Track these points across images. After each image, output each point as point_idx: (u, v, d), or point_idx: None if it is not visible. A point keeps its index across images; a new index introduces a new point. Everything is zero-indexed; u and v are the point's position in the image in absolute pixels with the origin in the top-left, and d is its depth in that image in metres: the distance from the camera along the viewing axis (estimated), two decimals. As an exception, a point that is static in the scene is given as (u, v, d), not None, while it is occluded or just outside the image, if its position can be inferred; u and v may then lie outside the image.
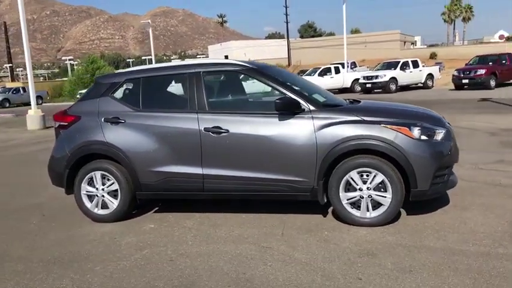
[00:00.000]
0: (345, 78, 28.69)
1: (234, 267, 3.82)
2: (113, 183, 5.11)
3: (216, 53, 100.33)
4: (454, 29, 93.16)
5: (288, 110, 4.58)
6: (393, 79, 25.24)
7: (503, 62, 24.08)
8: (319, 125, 4.52)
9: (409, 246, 4.02)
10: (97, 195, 5.18)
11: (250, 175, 4.71)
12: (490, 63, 23.77)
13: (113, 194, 5.15)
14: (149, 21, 39.00)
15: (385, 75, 25.18)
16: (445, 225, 4.47)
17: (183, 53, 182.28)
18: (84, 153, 5.14)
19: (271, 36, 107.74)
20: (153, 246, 4.41)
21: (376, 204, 4.51)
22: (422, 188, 4.40)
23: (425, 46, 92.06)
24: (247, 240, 4.41)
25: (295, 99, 4.60)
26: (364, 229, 4.47)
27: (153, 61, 41.52)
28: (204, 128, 4.77)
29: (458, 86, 23.75)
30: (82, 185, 5.20)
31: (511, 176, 6.11)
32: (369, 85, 25.97)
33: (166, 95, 5.41)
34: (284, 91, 4.73)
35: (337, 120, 4.52)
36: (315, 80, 26.52)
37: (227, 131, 4.71)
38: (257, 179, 4.70)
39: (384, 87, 24.79)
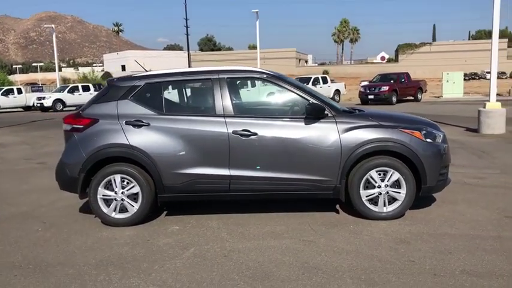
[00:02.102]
0: None
1: (293, 258, 4.11)
2: (133, 186, 5.10)
3: (112, 62, 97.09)
4: (342, 49, 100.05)
5: (316, 114, 4.99)
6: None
7: (402, 80, 26.77)
8: (342, 128, 4.99)
9: (432, 234, 4.63)
10: (115, 199, 5.12)
11: (277, 175, 5.03)
12: (391, 81, 26.26)
13: (133, 197, 5.14)
14: (53, 26, 36.78)
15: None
16: (448, 216, 5.16)
17: (71, 61, 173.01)
18: (104, 156, 5.07)
19: (170, 47, 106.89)
20: (196, 245, 4.52)
21: (391, 200, 5.07)
22: (431, 184, 5.05)
23: (316, 64, 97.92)
24: (284, 236, 4.71)
25: (322, 105, 5.03)
26: (383, 222, 5.00)
27: (38, 68, 39.08)
28: (233, 131, 4.99)
29: (364, 101, 25.89)
30: (99, 189, 5.12)
31: (469, 176, 7.09)
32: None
33: (190, 99, 5.53)
34: (307, 97, 5.14)
35: (358, 124, 5.03)
36: None
37: (255, 133, 4.99)
38: (283, 179, 5.03)
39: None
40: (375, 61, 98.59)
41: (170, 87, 5.38)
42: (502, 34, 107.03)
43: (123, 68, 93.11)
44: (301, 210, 5.48)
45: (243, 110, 5.28)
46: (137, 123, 5.09)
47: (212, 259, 4.16)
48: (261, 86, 8.06)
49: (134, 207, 5.14)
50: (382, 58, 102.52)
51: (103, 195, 5.13)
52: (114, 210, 5.16)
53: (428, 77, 57.90)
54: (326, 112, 5.04)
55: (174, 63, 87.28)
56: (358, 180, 5.02)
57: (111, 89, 5.33)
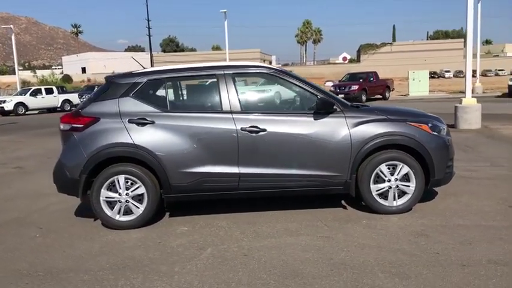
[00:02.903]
0: None
1: (316, 255, 4.03)
2: (138, 187, 4.90)
3: (72, 65, 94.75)
4: (306, 50, 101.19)
5: (326, 109, 4.93)
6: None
7: (371, 79, 27.21)
8: (352, 123, 4.95)
9: (446, 225, 4.65)
10: (119, 201, 4.91)
11: (287, 172, 4.94)
12: (360, 80, 26.65)
13: (137, 198, 4.94)
14: (11, 26, 35.39)
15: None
16: (455, 208, 5.22)
17: (27, 64, 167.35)
18: (107, 156, 4.85)
19: (131, 49, 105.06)
20: (212, 245, 4.38)
21: (401, 194, 5.07)
22: (439, 177, 5.09)
23: (280, 65, 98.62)
24: (299, 233, 4.63)
25: (332, 100, 4.98)
26: (394, 216, 5.00)
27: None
28: (241, 128, 4.88)
29: (334, 100, 26.07)
30: (102, 190, 4.89)
31: (462, 169, 7.18)
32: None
33: (194, 95, 5.36)
34: (315, 92, 5.08)
35: (367, 119, 5.00)
36: None
37: (265, 130, 4.88)
38: (293, 176, 4.95)
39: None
40: (337, 61, 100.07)
41: (173, 83, 5.20)
42: (458, 34, 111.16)
43: (84, 70, 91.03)
44: (308, 207, 5.41)
45: (250, 106, 5.16)
46: (141, 121, 4.90)
47: (233, 259, 4.03)
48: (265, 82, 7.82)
49: (139, 209, 4.94)
50: (344, 58, 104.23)
51: (106, 197, 4.91)
52: (118, 213, 4.94)
53: (390, 76, 59.32)
54: (335, 107, 4.99)
55: (136, 64, 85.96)
56: (368, 175, 5.00)
57: (111, 86, 5.11)
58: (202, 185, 4.93)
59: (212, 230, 4.85)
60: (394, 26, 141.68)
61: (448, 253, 3.94)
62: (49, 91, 31.18)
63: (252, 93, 5.82)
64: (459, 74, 78.10)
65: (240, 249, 4.26)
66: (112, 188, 4.91)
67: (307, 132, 4.93)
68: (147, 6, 68.21)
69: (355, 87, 25.37)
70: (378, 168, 5.00)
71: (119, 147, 4.85)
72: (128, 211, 4.95)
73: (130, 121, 4.90)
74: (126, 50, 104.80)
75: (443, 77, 71.57)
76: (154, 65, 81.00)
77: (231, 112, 4.94)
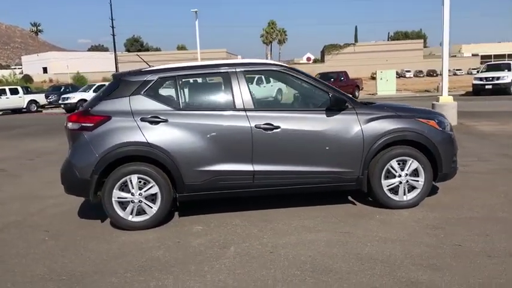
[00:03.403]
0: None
1: (342, 250, 4.07)
2: (151, 186, 4.81)
3: (32, 64, 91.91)
4: (271, 50, 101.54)
5: (339, 106, 4.98)
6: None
7: (342, 78, 27.65)
8: (363, 119, 5.02)
9: (459, 218, 4.79)
10: (132, 201, 4.81)
11: (301, 169, 4.97)
12: (331, 79, 27.01)
13: (150, 198, 4.85)
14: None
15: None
16: (461, 201, 5.37)
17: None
18: (119, 156, 4.74)
19: (94, 48, 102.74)
20: (234, 243, 4.35)
21: (410, 188, 5.18)
22: (446, 171, 5.22)
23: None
24: (317, 229, 4.66)
25: (344, 97, 5.03)
26: (405, 211, 5.10)
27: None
28: (255, 125, 4.86)
29: (306, 99, 26.37)
30: (114, 191, 4.78)
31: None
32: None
33: (206, 93, 5.30)
34: (325, 89, 5.11)
35: (378, 115, 5.08)
36: (89, 96, 27.18)
37: (278, 127, 4.89)
38: (307, 172, 4.98)
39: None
40: (301, 62, 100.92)
41: (185, 81, 5.14)
42: (417, 35, 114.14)
43: (45, 70, 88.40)
44: (317, 204, 5.45)
45: (263, 104, 5.18)
46: (154, 119, 4.81)
47: (260, 256, 4.02)
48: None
49: (153, 209, 4.85)
50: (308, 59, 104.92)
51: (118, 198, 4.80)
52: (131, 213, 4.84)
53: (353, 76, 60.40)
54: (347, 104, 5.05)
55: (100, 64, 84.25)
56: (379, 171, 5.08)
57: (121, 84, 4.99)
58: (217, 183, 4.89)
59: (228, 228, 4.81)
60: (356, 27, 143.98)
61: (470, 245, 4.05)
62: (14, 91, 30.11)
63: (264, 91, 5.79)
64: (419, 74, 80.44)
65: (264, 246, 4.24)
66: (124, 188, 4.81)
67: (320, 129, 4.96)
68: (110, 5, 66.71)
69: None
70: (388, 164, 5.08)
71: (132, 146, 4.75)
72: (140, 211, 4.85)
73: (142, 119, 4.81)
74: (89, 50, 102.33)
75: (404, 76, 73.22)
76: (119, 65, 79.69)
77: (244, 109, 4.92)
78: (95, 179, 4.75)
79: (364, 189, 5.12)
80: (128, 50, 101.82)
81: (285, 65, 5.29)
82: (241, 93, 4.96)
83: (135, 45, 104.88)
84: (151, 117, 4.82)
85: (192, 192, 4.90)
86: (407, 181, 5.14)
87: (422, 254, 3.89)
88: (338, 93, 5.08)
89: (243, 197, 5.38)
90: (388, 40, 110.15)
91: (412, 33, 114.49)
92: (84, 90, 30.67)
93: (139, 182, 4.81)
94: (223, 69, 5.09)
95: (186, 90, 5.13)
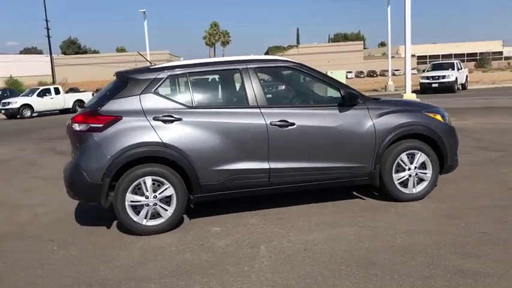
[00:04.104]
0: (65, 99, 28.94)
1: (375, 243, 4.08)
2: (166, 188, 4.62)
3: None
4: (214, 51, 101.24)
5: (352, 102, 5.00)
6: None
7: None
8: (374, 114, 5.07)
9: (470, 207, 4.94)
10: (147, 204, 4.60)
11: (316, 165, 4.95)
12: (285, 80, 27.28)
13: (165, 201, 4.66)
14: None
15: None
16: (463, 192, 5.55)
17: None
18: (133, 157, 4.52)
19: (27, 51, 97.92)
20: (262, 242, 4.26)
21: (418, 181, 5.29)
22: (450, 163, 5.39)
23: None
24: (339, 224, 4.65)
25: (356, 93, 5.06)
26: (416, 203, 5.21)
27: None
28: (271, 122, 4.80)
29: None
30: (127, 194, 4.55)
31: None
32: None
33: (218, 90, 5.15)
34: (336, 85, 5.14)
35: (387, 110, 5.15)
36: (33, 100, 27.88)
37: (293, 124, 4.85)
38: (322, 168, 4.97)
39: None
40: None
41: (196, 78, 4.98)
42: (356, 37, 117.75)
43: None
44: (326, 200, 5.44)
45: (275, 100, 5.11)
46: (168, 118, 4.63)
47: (296, 254, 3.95)
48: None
49: (168, 212, 4.66)
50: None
51: (131, 201, 4.57)
52: (145, 217, 4.62)
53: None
54: (358, 99, 5.09)
55: (35, 68, 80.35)
56: (390, 165, 5.15)
57: (129, 82, 4.76)
58: (233, 182, 4.77)
59: (248, 228, 4.71)
60: (297, 29, 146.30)
61: (495, 232, 4.18)
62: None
63: (272, 87, 5.73)
64: (360, 75, 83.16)
65: (294, 244, 4.18)
66: (137, 191, 4.58)
67: (334, 125, 4.97)
68: (44, 5, 63.72)
69: (282, 87, 25.88)
70: (399, 158, 5.17)
71: (146, 147, 4.54)
72: (154, 215, 4.65)
73: (155, 119, 4.61)
74: (21, 52, 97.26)
75: (346, 77, 75.29)
76: (56, 68, 76.55)
77: (258, 107, 4.83)
78: (107, 183, 4.50)
79: (376, 183, 5.18)
80: (65, 53, 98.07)
81: (295, 61, 5.26)
82: (254, 90, 4.87)
83: (72, 47, 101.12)
84: (164, 116, 4.63)
85: (208, 192, 4.75)
86: (416, 174, 5.24)
87: (454, 243, 3.97)
88: (350, 89, 5.10)
89: (251, 196, 5.26)
90: (329, 42, 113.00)
91: (351, 35, 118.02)
92: (27, 95, 29.34)
93: (153, 184, 4.60)
94: (234, 66, 4.98)
95: (198, 88, 4.98)
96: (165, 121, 4.61)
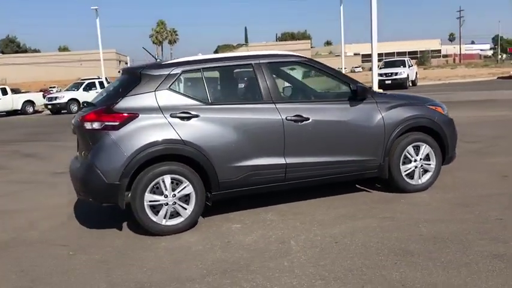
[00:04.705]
0: (13, 100, 28.00)
1: (402, 233, 4.16)
2: (185, 187, 4.52)
3: None
4: (162, 50, 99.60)
5: (363, 96, 5.08)
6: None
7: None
8: (383, 108, 5.18)
9: (477, 195, 5.14)
10: (166, 204, 4.48)
11: (329, 159, 5.00)
12: (245, 78, 27.26)
13: (184, 199, 4.56)
14: None
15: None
16: (464, 182, 5.75)
17: None
18: (153, 155, 4.38)
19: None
20: (290, 237, 4.25)
21: (423, 172, 5.45)
22: (451, 154, 5.59)
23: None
24: (358, 217, 4.72)
25: (367, 87, 5.15)
26: (423, 193, 5.36)
27: None
28: (286, 117, 4.80)
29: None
30: (146, 194, 4.41)
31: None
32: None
33: (232, 86, 5.08)
34: (345, 80, 5.21)
35: (394, 104, 5.28)
36: None
37: (308, 118, 4.87)
38: (335, 163, 5.03)
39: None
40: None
41: (209, 73, 4.89)
42: (303, 36, 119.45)
43: None
44: (332, 194, 5.47)
45: (288, 95, 5.10)
46: (185, 115, 4.52)
47: (329, 247, 3.97)
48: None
49: (187, 211, 4.56)
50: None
51: (150, 201, 4.43)
52: (164, 217, 4.49)
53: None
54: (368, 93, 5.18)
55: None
56: (398, 157, 5.27)
57: (143, 78, 4.60)
58: (250, 179, 4.73)
59: (268, 224, 4.68)
60: (245, 28, 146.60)
61: (509, 218, 4.37)
62: None
63: (284, 83, 5.71)
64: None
65: (323, 237, 4.20)
66: (155, 190, 4.45)
67: (346, 119, 5.03)
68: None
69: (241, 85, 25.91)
70: (406, 150, 5.30)
71: (165, 145, 4.42)
72: (173, 214, 4.53)
73: (172, 116, 4.49)
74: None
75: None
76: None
77: (273, 102, 4.81)
78: (125, 183, 4.34)
79: (385, 175, 5.29)
80: (2, 52, 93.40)
81: (306, 56, 5.28)
82: (268, 85, 4.85)
83: (11, 46, 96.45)
84: (181, 112, 4.52)
85: (226, 189, 4.69)
86: (421, 165, 5.40)
87: (478, 230, 4.11)
88: (360, 84, 5.18)
89: (262, 193, 5.23)
90: (276, 41, 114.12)
91: (298, 34, 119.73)
92: None
93: (171, 182, 4.48)
94: (247, 61, 4.94)
95: (212, 84, 4.89)
96: (182, 118, 4.50)
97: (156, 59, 5.05)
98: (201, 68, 4.78)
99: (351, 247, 3.93)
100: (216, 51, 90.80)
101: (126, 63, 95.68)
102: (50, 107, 26.87)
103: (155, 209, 4.46)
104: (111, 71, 73.34)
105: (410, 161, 5.35)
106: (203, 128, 4.54)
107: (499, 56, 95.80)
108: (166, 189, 4.45)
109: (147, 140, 4.37)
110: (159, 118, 4.46)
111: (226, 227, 4.68)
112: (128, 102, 4.48)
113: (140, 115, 4.43)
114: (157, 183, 4.44)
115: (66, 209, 5.66)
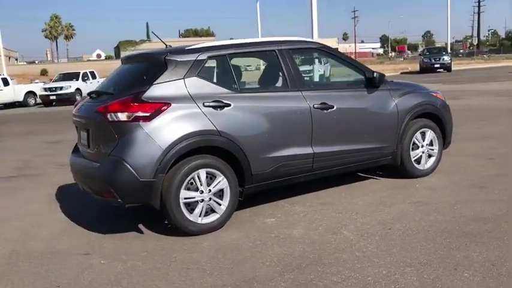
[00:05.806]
0: (15, 90, 25.58)
1: (441, 217, 4.19)
2: (219, 181, 4.21)
3: None
4: (57, 46, 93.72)
5: (379, 83, 5.09)
6: (78, 90, 24.58)
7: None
8: (395, 95, 5.25)
9: (485, 176, 5.41)
10: (201, 200, 4.13)
11: (352, 147, 4.95)
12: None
13: (218, 195, 4.24)
14: None
15: (70, 86, 24.37)
16: (458, 166, 5.99)
17: None
18: (191, 147, 4.02)
19: None
20: (339, 228, 4.12)
21: (428, 157, 5.61)
22: (449, 139, 5.82)
23: (26, 63, 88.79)
24: (389, 203, 4.70)
25: (384, 74, 5.16)
26: (431, 177, 5.52)
27: None
28: (314, 105, 4.66)
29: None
30: (181, 191, 4.03)
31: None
32: (53, 97, 24.39)
33: (258, 73, 4.79)
34: (361, 68, 5.18)
35: (404, 91, 5.37)
36: None
37: (332, 106, 4.77)
38: (358, 150, 5.00)
39: (70, 98, 23.56)
40: (91, 58, 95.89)
41: (235, 60, 4.58)
42: (207, 33, 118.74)
43: None
44: (339, 184, 5.41)
45: (311, 83, 4.96)
46: (218, 104, 4.19)
47: (386, 234, 3.88)
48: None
49: (222, 207, 4.24)
50: (98, 56, 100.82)
51: (185, 198, 4.06)
52: (200, 215, 4.14)
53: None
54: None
55: None
56: (408, 143, 5.37)
57: (169, 65, 4.17)
58: (280, 170, 4.53)
59: (301, 216, 4.51)
60: (147, 24, 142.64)
61: (523, 198, 4.63)
62: None
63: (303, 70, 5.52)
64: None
65: (372, 226, 4.11)
66: (190, 186, 4.09)
67: (366, 106, 5.03)
68: None
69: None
70: (414, 136, 5.41)
71: (202, 136, 4.07)
72: (208, 211, 4.19)
73: (205, 105, 4.14)
74: None
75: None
76: None
77: (299, 89, 4.65)
78: (161, 179, 3.92)
79: (398, 162, 5.35)
80: None
81: (321, 43, 5.16)
82: (292, 72, 4.67)
83: None
84: (213, 101, 4.18)
85: (259, 182, 4.44)
86: (427, 150, 5.55)
87: (508, 209, 4.29)
88: (376, 72, 5.16)
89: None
90: (179, 37, 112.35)
91: (201, 30, 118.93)
92: None
93: (206, 177, 4.14)
94: (270, 48, 4.72)
95: (238, 71, 4.59)
96: (215, 107, 4.17)
97: (167, 46, 4.62)
98: (226, 54, 4.46)
99: (408, 232, 3.90)
100: (117, 47, 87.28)
101: (16, 59, 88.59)
102: (54, 97, 24.32)
103: (190, 206, 4.09)
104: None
105: (418, 147, 5.47)
106: (236, 118, 4.25)
107: (390, 54, 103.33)
108: (201, 185, 4.10)
109: (184, 132, 3.98)
110: (193, 108, 4.09)
111: (260, 222, 4.43)
112: (156, 91, 4.05)
113: (173, 104, 4.02)
114: (192, 178, 4.07)
115: (66, 213, 5.06)
